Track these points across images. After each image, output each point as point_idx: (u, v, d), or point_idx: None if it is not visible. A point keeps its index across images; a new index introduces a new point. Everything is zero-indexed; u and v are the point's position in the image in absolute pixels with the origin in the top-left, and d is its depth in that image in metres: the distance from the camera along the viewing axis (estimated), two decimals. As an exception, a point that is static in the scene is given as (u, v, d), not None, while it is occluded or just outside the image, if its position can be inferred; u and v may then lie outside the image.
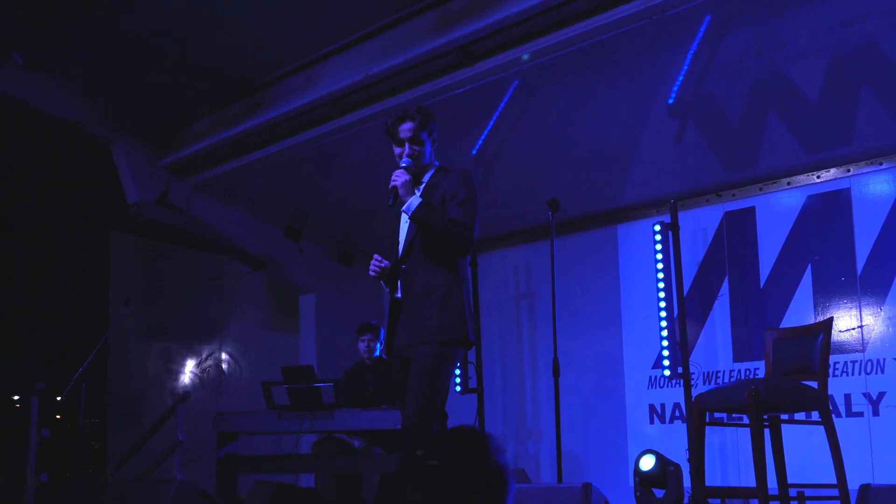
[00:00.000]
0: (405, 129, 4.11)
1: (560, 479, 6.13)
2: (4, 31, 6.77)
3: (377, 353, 6.99)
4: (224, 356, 9.45)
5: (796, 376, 4.54)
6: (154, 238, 9.08)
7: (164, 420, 7.88)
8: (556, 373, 6.22)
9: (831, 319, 4.56)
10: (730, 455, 6.71)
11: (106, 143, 7.84)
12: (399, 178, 4.00)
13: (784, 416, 4.66)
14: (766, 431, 4.50)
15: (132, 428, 8.43)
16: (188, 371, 9.21)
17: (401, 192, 3.98)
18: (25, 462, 6.83)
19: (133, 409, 8.69)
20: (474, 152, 7.37)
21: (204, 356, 9.33)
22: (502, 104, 6.87)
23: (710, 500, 5.96)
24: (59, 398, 7.03)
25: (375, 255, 4.13)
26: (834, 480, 4.46)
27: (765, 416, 4.45)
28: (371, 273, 4.14)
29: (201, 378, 9.25)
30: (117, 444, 8.47)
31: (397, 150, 4.13)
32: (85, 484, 5.35)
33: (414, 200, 3.97)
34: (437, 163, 4.22)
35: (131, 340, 8.78)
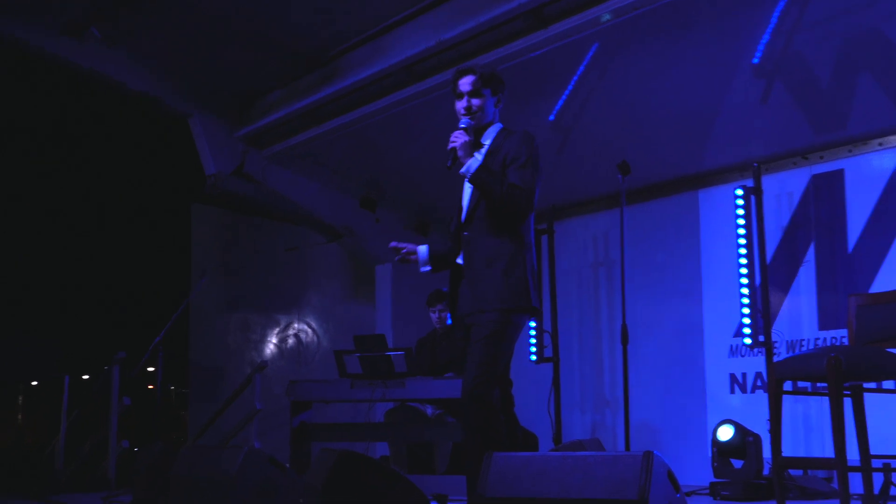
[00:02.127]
0: (465, 82, 4.01)
1: (628, 448, 6.01)
2: (83, 7, 6.88)
3: (449, 321, 6.93)
4: (302, 326, 9.52)
5: (882, 344, 4.32)
6: (232, 209, 9.18)
7: (242, 389, 7.97)
8: (624, 340, 6.07)
9: (919, 284, 4.32)
10: (814, 425, 6.48)
11: (184, 117, 7.96)
12: (458, 139, 3.90)
13: (868, 385, 4.44)
14: (848, 401, 4.30)
15: (213, 397, 8.56)
16: (268, 341, 9.31)
17: (459, 153, 3.88)
18: (108, 429, 7.01)
19: (214, 379, 8.82)
20: (552, 118, 7.24)
21: (283, 326, 9.42)
22: (581, 68, 6.71)
23: (791, 472, 5.78)
24: (142, 367, 7.16)
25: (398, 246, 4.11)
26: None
27: (846, 385, 4.24)
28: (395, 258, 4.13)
29: (280, 348, 9.34)
30: (199, 413, 8.62)
31: (458, 105, 4.03)
32: (158, 450, 5.43)
33: (473, 163, 3.86)
34: (500, 125, 4.10)
35: (212, 311, 8.90)
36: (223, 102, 8.01)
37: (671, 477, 3.07)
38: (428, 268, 4.11)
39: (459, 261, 4.01)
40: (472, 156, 3.88)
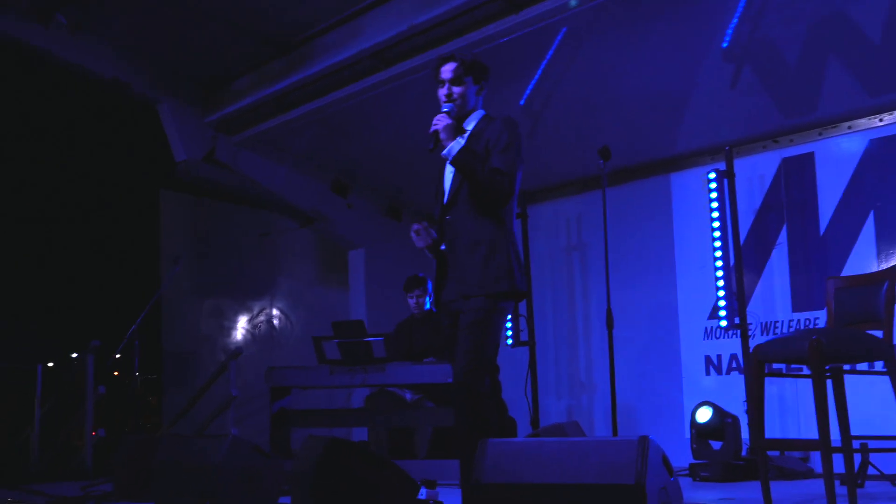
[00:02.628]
0: (446, 69, 3.99)
1: (615, 433, 6.06)
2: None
3: (427, 306, 6.93)
4: (275, 312, 9.48)
5: (860, 326, 4.37)
6: (203, 196, 9.11)
7: (217, 376, 7.94)
8: (609, 325, 6.11)
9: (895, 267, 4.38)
10: (789, 406, 6.58)
11: (152, 103, 7.86)
12: (440, 121, 3.88)
13: (846, 367, 4.51)
14: (829, 382, 4.36)
15: (186, 384, 8.51)
16: (240, 327, 9.27)
17: (442, 136, 3.86)
18: (83, 418, 6.94)
19: (187, 366, 8.78)
20: (522, 102, 7.24)
21: (255, 312, 9.37)
22: (550, 52, 6.70)
23: (769, 453, 5.87)
24: (116, 356, 7.10)
25: (421, 225, 4.00)
26: (896, 432, 4.36)
27: (826, 367, 4.30)
28: (417, 244, 4.02)
29: (253, 334, 9.30)
30: (172, 401, 8.57)
31: (439, 93, 4.02)
32: (140, 440, 5.39)
33: (455, 145, 3.84)
34: (482, 111, 4.09)
35: (183, 298, 8.84)
36: (192, 88, 7.93)
37: (665, 461, 3.10)
38: (444, 246, 4.06)
39: (443, 247, 4.00)
40: (454, 139, 3.87)
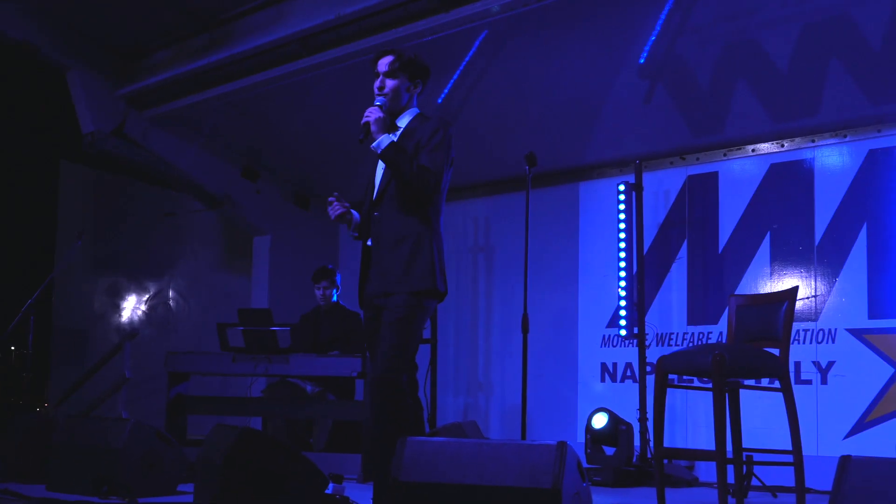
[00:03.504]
0: (383, 62, 4.02)
1: (524, 435, 6.16)
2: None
3: (334, 298, 6.91)
4: (172, 294, 9.30)
5: (759, 343, 4.57)
6: (107, 170, 8.85)
7: (110, 356, 7.73)
8: (525, 329, 6.19)
9: (796, 288, 4.58)
10: (679, 417, 6.80)
11: (61, 69, 7.58)
12: (372, 114, 3.90)
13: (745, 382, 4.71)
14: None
15: (76, 363, 8.27)
16: (135, 307, 9.05)
17: (373, 128, 3.87)
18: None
19: (77, 344, 8.53)
20: (440, 100, 7.27)
21: (152, 293, 9.17)
22: (469, 54, 6.76)
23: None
24: (9, 332, 6.85)
25: (333, 196, 4.01)
26: (778, 445, 4.57)
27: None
28: (332, 215, 4.01)
29: (148, 315, 9.10)
30: (60, 379, 8.32)
31: (375, 85, 4.03)
32: (32, 419, 5.23)
33: (385, 139, 3.87)
34: (416, 109, 4.12)
35: (78, 274, 8.58)
36: (106, 58, 7.67)
37: (580, 467, 3.19)
38: (356, 234, 4.08)
39: (370, 243, 4.02)
40: (385, 132, 3.89)
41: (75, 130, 7.74)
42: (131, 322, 8.89)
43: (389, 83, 4.02)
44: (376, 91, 4.03)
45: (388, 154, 3.87)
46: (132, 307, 9.02)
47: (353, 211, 4.06)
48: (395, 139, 3.91)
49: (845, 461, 2.51)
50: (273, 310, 6.52)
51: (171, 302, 9.28)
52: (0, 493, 4.53)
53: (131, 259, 9.02)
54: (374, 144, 3.90)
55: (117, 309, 8.93)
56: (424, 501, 3.08)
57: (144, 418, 6.63)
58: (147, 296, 9.13)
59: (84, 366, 8.01)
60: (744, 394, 4.70)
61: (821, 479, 5.38)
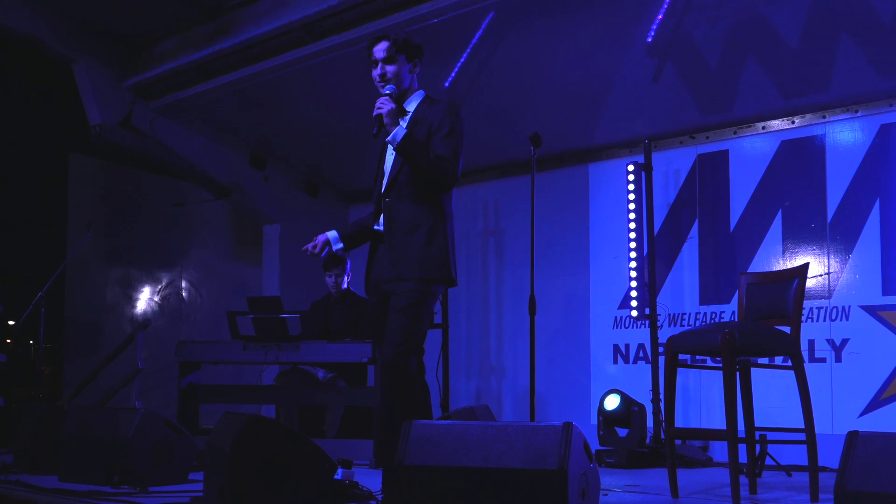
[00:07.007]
0: (379, 48, 3.98)
1: (532, 418, 6.14)
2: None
3: (345, 286, 6.90)
4: (184, 284, 9.31)
5: (769, 321, 4.52)
6: (116, 162, 8.86)
7: (123, 347, 7.75)
8: (532, 311, 6.17)
9: (807, 265, 4.53)
10: (692, 397, 6.76)
11: (67, 62, 7.58)
12: (384, 105, 3.87)
13: (755, 361, 4.67)
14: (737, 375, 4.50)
15: (89, 354, 8.30)
16: (147, 298, 9.07)
17: (386, 120, 3.85)
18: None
19: (90, 336, 8.55)
20: (447, 84, 7.23)
21: (164, 284, 9.19)
22: (476, 36, 6.71)
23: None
24: (11, 322, 6.88)
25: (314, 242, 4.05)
26: (793, 424, 4.51)
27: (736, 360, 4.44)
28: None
29: (161, 306, 9.12)
30: (73, 371, 8.35)
31: (374, 73, 4.00)
32: (45, 410, 5.24)
33: (399, 132, 3.84)
34: (422, 92, 4.09)
35: (90, 266, 8.61)
36: (111, 49, 7.67)
37: (587, 448, 3.16)
38: (340, 245, 4.07)
39: (379, 227, 4.00)
40: (397, 123, 3.86)
41: (83, 122, 7.75)
42: (143, 313, 8.91)
43: (390, 69, 3.99)
44: (377, 79, 4.00)
45: (404, 147, 3.85)
46: (144, 298, 9.04)
47: (325, 235, 4.08)
48: (407, 131, 3.87)
49: (853, 436, 2.48)
50: (285, 298, 6.51)
51: (182, 292, 9.29)
52: (13, 485, 4.54)
53: (143, 250, 9.03)
54: (389, 138, 3.88)
55: (129, 300, 8.95)
56: (430, 485, 3.06)
57: (158, 408, 6.67)
58: (159, 286, 9.15)
59: (97, 357, 8.03)
60: (759, 373, 4.67)
61: (836, 457, 5.26)
